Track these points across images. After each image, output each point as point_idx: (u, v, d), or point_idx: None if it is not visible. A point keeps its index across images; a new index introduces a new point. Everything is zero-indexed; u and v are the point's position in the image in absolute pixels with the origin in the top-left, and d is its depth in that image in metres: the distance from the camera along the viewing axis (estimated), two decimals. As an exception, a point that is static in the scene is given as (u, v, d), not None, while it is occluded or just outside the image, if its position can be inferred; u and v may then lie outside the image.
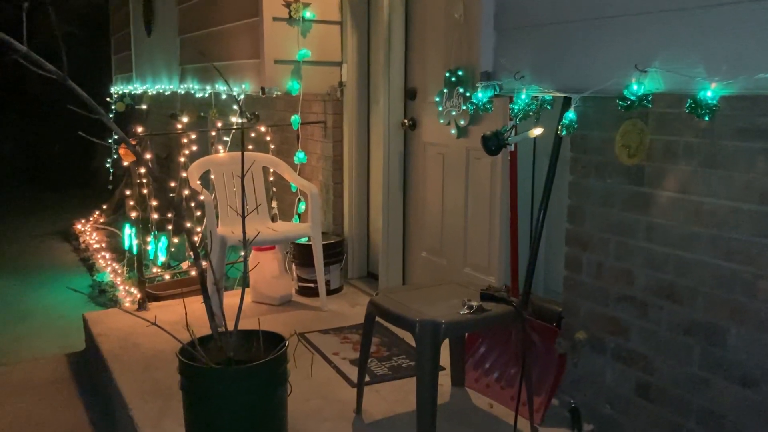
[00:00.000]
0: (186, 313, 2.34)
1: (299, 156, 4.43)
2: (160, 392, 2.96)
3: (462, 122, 3.50)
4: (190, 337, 2.33)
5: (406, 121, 4.00)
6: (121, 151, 3.84)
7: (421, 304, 2.50)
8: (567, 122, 2.03)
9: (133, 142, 3.86)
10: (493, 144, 2.28)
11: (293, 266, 4.30)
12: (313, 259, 4.03)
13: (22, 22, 1.73)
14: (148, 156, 3.99)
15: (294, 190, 4.44)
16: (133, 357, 3.35)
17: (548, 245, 3.15)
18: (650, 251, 2.29)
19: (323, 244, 4.03)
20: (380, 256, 4.18)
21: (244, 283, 2.37)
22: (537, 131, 2.35)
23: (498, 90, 2.26)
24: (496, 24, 2.26)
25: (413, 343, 3.38)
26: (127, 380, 3.08)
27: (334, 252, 4.26)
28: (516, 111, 2.28)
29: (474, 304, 2.42)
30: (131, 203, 3.93)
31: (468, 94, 3.42)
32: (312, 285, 4.19)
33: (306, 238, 4.11)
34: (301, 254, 4.21)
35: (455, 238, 3.70)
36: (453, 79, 3.52)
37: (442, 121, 3.64)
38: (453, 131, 3.58)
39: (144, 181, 3.95)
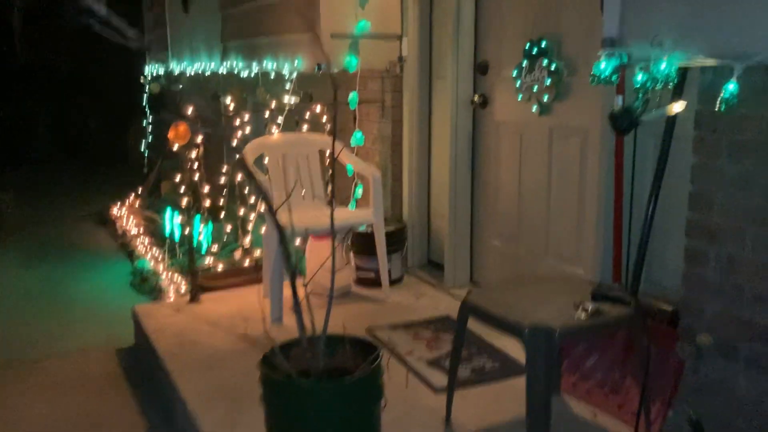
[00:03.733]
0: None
1: (356, 137, 4.13)
2: (226, 396, 2.72)
3: (545, 98, 3.17)
4: (270, 343, 2.07)
5: (476, 97, 3.68)
6: (171, 135, 3.57)
7: (526, 304, 2.21)
8: (727, 96, 1.71)
9: (184, 125, 3.59)
10: (625, 122, 1.97)
11: (351, 255, 4.03)
12: (374, 247, 3.76)
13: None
14: (199, 139, 3.72)
15: (351, 173, 4.15)
16: (193, 356, 3.11)
17: (652, 234, 2.82)
18: (803, 245, 1.97)
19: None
20: (446, 245, 3.89)
21: (333, 280, 2.09)
22: (678, 107, 2.03)
23: (626, 59, 1.94)
24: (625, -19, 1.95)
25: (494, 342, 3.11)
26: (188, 383, 2.84)
27: (396, 240, 3.98)
28: (642, 83, 1.96)
29: (589, 306, 2.12)
30: (182, 189, 3.67)
31: (554, 67, 3.10)
32: (372, 275, 3.92)
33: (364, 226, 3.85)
34: (361, 242, 3.94)
35: (535, 225, 3.39)
36: (535, 50, 3.20)
37: (520, 98, 3.32)
38: (534, 108, 3.26)
39: (195, 165, 3.70)
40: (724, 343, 2.23)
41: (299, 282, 2.02)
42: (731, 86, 1.70)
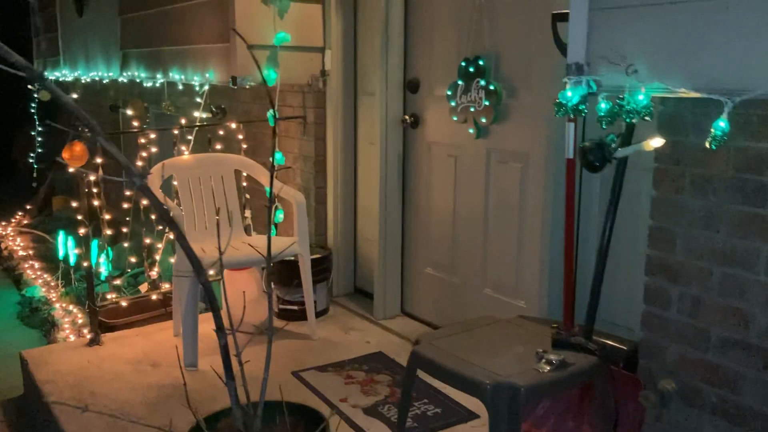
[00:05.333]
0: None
1: (277, 156, 3.82)
2: (135, 467, 2.35)
3: (483, 120, 2.99)
4: (193, 416, 1.74)
5: (406, 117, 3.46)
6: (65, 155, 3.14)
7: (482, 356, 1.99)
8: (719, 134, 1.55)
9: (80, 145, 3.17)
10: (597, 158, 1.78)
11: (272, 285, 3.71)
12: (297, 277, 3.45)
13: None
14: (99, 160, 3.30)
15: (269, 195, 3.83)
16: (94, 413, 2.70)
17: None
18: (775, 288, 1.85)
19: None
20: (375, 274, 3.64)
21: (270, 340, 1.78)
22: (655, 142, 1.87)
23: (594, 87, 1.76)
24: (594, 3, 1.76)
25: (434, 383, 2.87)
26: (89, 449, 2.45)
27: (321, 268, 3.69)
28: (607, 113, 1.79)
29: (553, 357, 1.93)
30: (80, 217, 3.24)
31: (492, 88, 2.92)
32: (296, 308, 3.62)
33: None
34: (283, 271, 3.62)
35: (471, 254, 3.20)
36: (471, 69, 3.01)
37: (455, 119, 3.13)
38: (471, 130, 3.07)
39: (95, 190, 3.27)
40: (688, 389, 2.09)
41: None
42: (722, 123, 1.55)
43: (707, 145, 1.60)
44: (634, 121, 1.72)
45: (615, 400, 2.10)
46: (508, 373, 1.87)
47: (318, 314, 3.65)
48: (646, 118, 1.71)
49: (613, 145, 1.78)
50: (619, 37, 1.73)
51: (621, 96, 1.74)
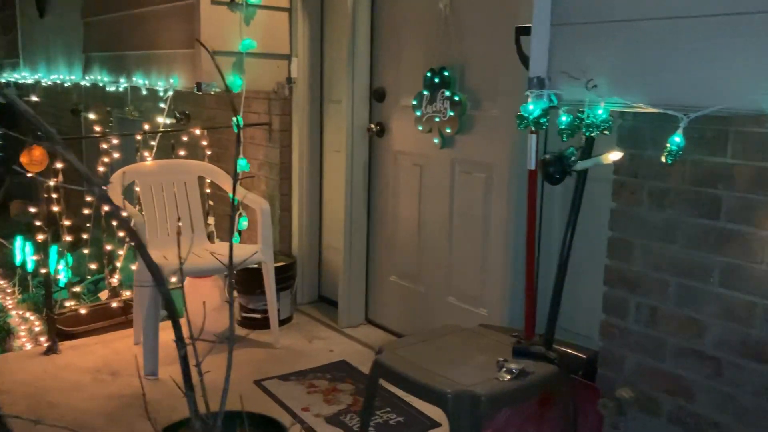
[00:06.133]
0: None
1: (241, 163, 3.80)
2: (92, 479, 2.30)
3: (448, 130, 3.02)
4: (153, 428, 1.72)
5: (372, 126, 3.47)
6: (24, 159, 3.07)
7: (443, 365, 2.00)
8: (674, 148, 1.59)
9: (39, 149, 3.11)
10: (557, 170, 1.81)
11: (235, 293, 3.67)
12: (261, 285, 3.44)
13: None
14: (59, 165, 3.24)
15: (235, 203, 3.80)
16: (51, 424, 2.64)
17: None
18: (728, 299, 1.90)
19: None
20: (340, 282, 3.63)
21: (230, 350, 1.76)
22: (614, 156, 1.91)
23: (555, 101, 1.79)
24: (556, 18, 1.80)
25: (395, 391, 2.88)
26: (44, 462, 2.39)
27: (285, 276, 3.68)
28: (568, 126, 1.82)
29: (513, 366, 1.95)
30: (38, 223, 3.17)
31: (457, 98, 2.95)
32: (258, 316, 3.59)
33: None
34: (246, 280, 3.59)
35: (436, 262, 3.22)
36: (437, 79, 3.04)
37: (420, 129, 3.15)
38: (436, 140, 3.09)
39: (54, 196, 3.20)
40: (645, 398, 2.13)
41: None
42: (677, 138, 1.59)
43: (663, 159, 1.64)
44: (593, 134, 1.76)
45: (574, 408, 2.13)
46: (469, 382, 1.89)
47: (281, 322, 3.63)
48: (605, 132, 1.75)
49: (573, 158, 1.81)
50: (579, 53, 1.76)
51: (581, 110, 1.78)
